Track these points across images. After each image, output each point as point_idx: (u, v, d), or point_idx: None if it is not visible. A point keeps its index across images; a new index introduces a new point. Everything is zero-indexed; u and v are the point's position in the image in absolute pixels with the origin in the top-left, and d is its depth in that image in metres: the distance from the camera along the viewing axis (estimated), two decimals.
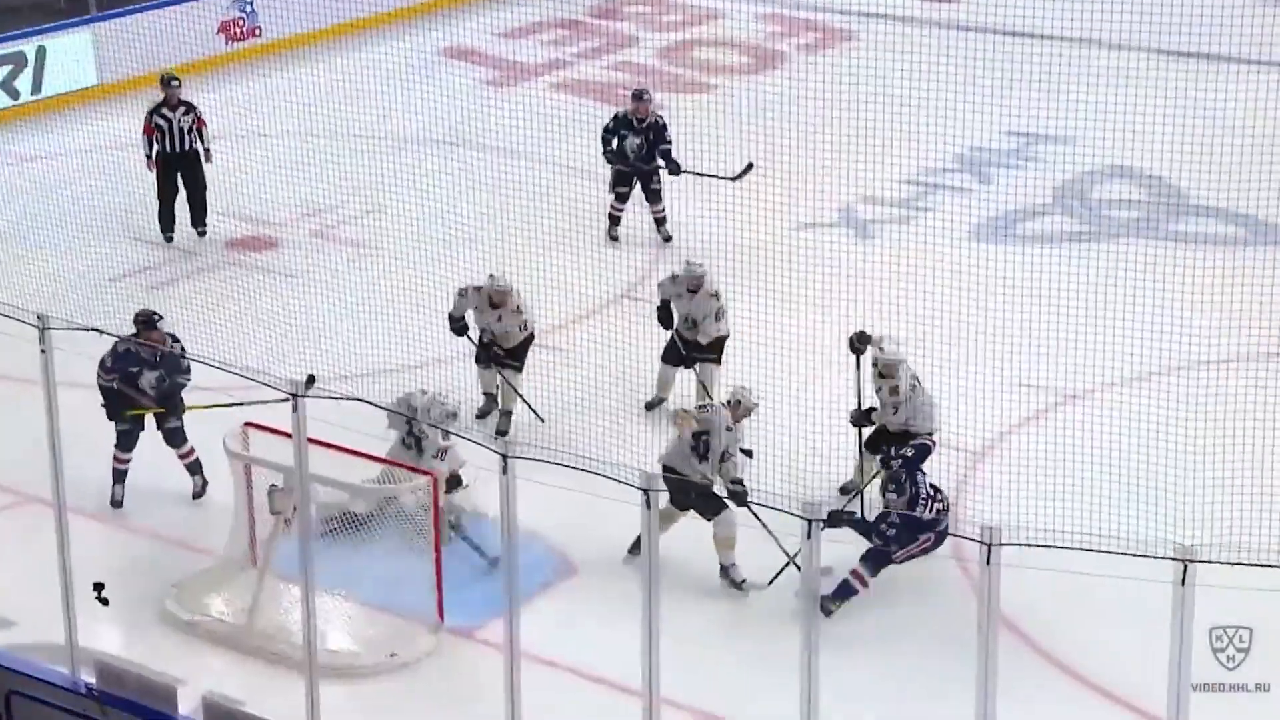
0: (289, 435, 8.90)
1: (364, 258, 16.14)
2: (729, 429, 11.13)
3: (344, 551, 10.59)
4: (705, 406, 11.69)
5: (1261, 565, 7.98)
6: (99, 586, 10.06)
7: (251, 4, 21.91)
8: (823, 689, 7.83)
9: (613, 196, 16.69)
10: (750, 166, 16.17)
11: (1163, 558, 7.29)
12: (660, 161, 16.33)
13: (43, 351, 9.11)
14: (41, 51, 20.23)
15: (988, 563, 7.39)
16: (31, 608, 10.24)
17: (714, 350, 13.17)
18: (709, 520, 11.00)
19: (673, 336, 13.12)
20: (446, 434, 11.23)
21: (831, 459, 12.04)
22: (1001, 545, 7.34)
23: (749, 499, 10.48)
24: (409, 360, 13.47)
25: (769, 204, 15.32)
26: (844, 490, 12.02)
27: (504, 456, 8.46)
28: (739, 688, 10.02)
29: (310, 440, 8.90)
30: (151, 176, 16.51)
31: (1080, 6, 18.73)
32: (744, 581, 11.03)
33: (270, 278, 15.84)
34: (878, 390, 11.76)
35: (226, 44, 21.70)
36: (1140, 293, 13.96)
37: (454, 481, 11.19)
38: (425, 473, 10.82)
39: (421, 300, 14.33)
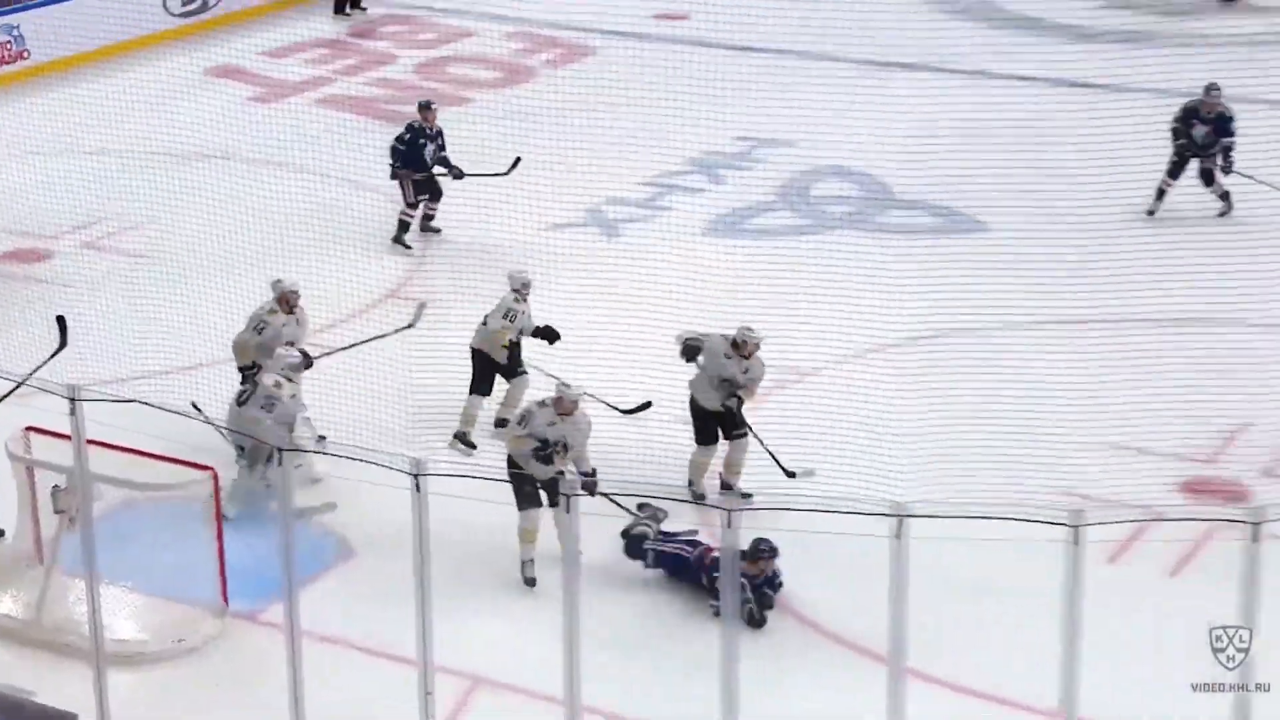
0: (69, 438, 8.81)
1: (137, 267, 15.77)
2: (552, 424, 10.79)
3: (128, 544, 10.36)
4: (523, 419, 11.09)
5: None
6: None
7: (18, 28, 21.34)
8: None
9: (410, 205, 16.37)
10: (518, 160, 16.22)
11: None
12: (440, 168, 16.32)
13: None
14: None
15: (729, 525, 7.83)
16: None
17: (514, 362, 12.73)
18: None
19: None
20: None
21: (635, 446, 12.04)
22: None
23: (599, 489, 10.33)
24: (184, 363, 13.27)
25: (524, 207, 15.49)
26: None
27: (279, 450, 8.68)
28: (508, 653, 10.13)
29: (91, 441, 8.81)
30: None
31: (798, 24, 19.36)
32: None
33: (44, 287, 15.38)
34: (738, 370, 11.57)
35: None
36: (855, 278, 14.28)
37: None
38: (204, 468, 10.57)
39: (194, 307, 14.20)
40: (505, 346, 12.49)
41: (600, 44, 21.89)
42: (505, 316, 12.45)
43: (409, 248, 16.34)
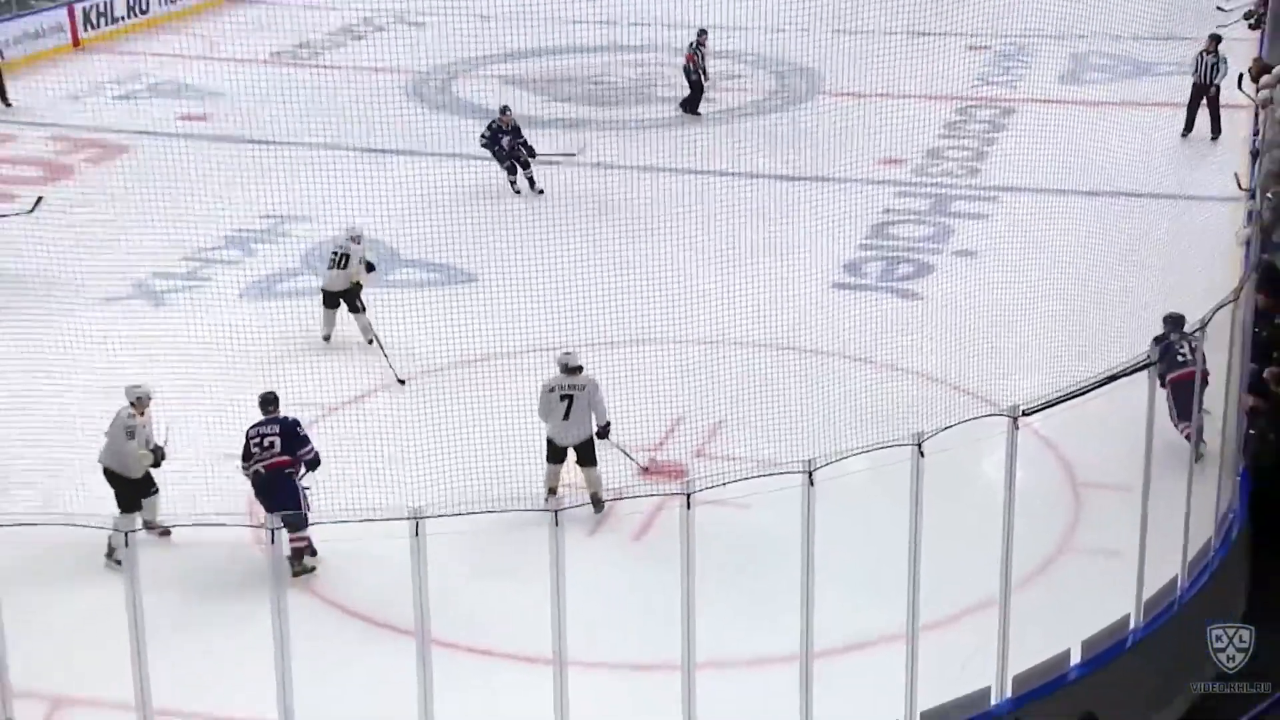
0: None
1: None
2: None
3: None
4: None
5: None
6: None
7: None
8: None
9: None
10: (40, 199, 16.47)
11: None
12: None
13: None
14: None
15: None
16: None
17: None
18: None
19: None
20: None
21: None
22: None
23: None
24: None
25: (72, 286, 15.09)
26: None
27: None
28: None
29: None
30: None
31: (301, 120, 19.33)
32: None
33: None
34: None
35: None
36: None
37: None
38: None
39: None
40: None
41: (133, 143, 21.18)
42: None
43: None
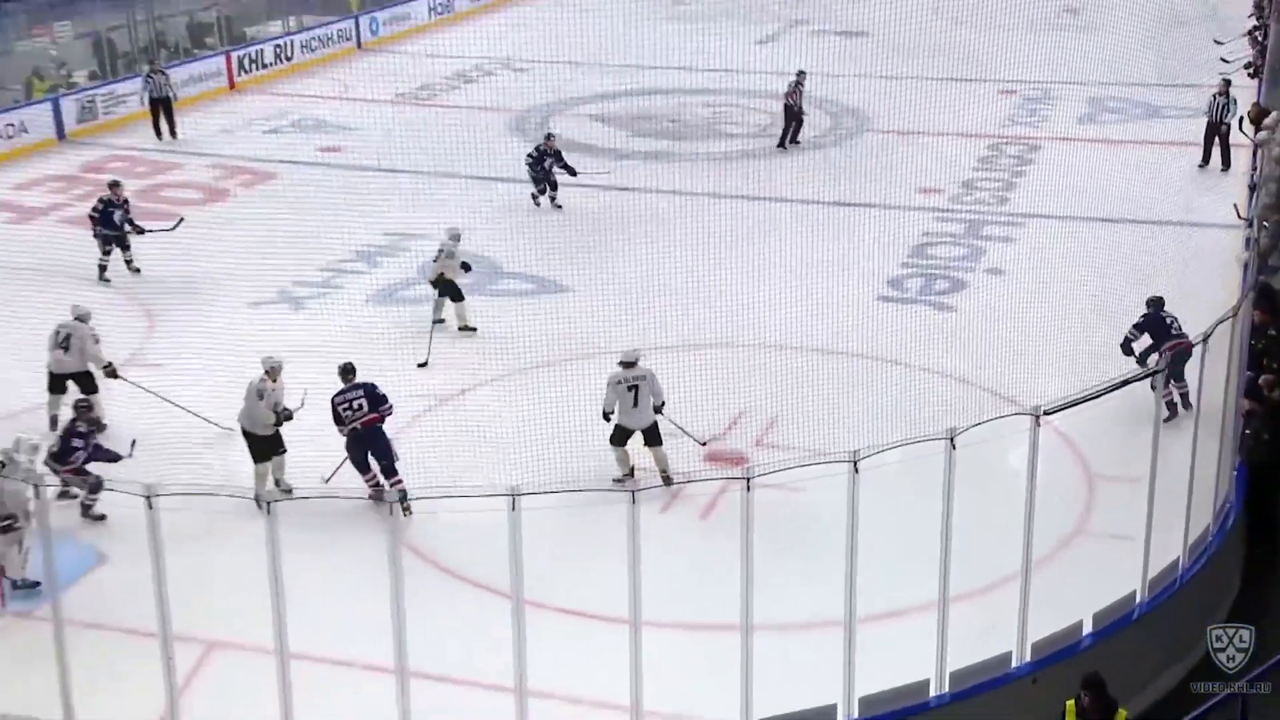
0: None
1: None
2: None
3: None
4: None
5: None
6: None
7: None
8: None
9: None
10: (181, 220, 17.01)
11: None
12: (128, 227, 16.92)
13: None
14: None
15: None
16: None
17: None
18: None
19: None
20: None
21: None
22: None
23: None
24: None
25: (228, 289, 15.37)
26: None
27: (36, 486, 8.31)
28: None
29: None
30: None
31: (418, 150, 19.49)
32: None
33: None
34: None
35: None
36: (477, 332, 14.72)
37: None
38: None
39: None
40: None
41: (278, 171, 21.42)
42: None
43: (108, 280, 16.70)
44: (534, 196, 19.28)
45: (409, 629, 8.02)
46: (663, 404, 11.74)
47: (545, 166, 19.15)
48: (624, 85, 25.92)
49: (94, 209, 16.83)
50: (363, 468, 11.33)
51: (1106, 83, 25.20)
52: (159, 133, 23.49)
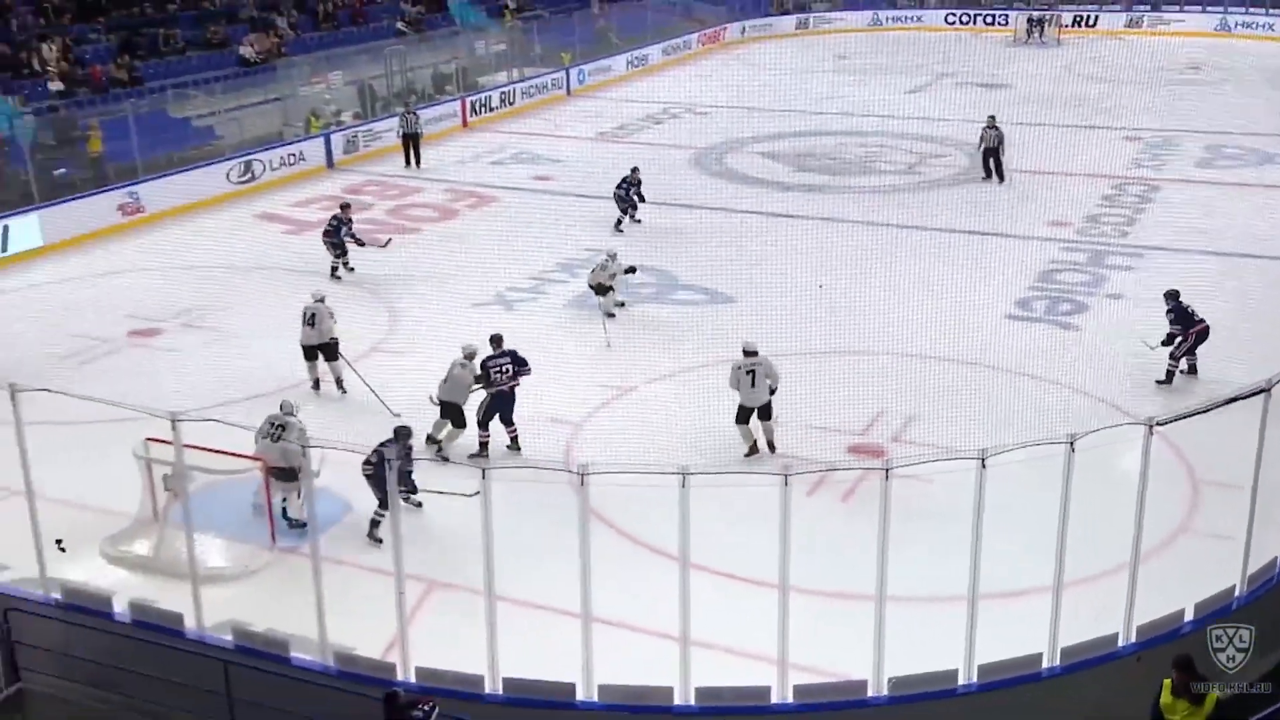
0: (172, 444, 8.71)
1: (214, 339, 15.36)
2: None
3: (212, 508, 10.19)
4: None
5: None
6: (59, 542, 9.76)
7: (137, 193, 20.73)
8: None
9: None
10: (389, 240, 17.55)
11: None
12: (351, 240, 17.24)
13: None
14: (5, 229, 18.87)
15: (583, 484, 7.77)
16: (15, 557, 9.63)
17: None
18: None
19: None
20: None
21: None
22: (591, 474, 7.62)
23: None
24: (241, 396, 13.06)
25: (453, 293, 15.71)
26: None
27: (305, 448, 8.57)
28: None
29: (186, 445, 8.71)
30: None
31: (611, 180, 19.61)
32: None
33: (156, 352, 15.06)
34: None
35: (122, 217, 20.41)
36: (657, 332, 14.71)
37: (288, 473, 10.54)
38: (256, 458, 10.46)
39: (250, 362, 14.05)
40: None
41: (499, 195, 21.87)
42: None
43: (339, 278, 17.09)
44: (618, 223, 18.97)
45: (592, 581, 8.08)
46: (776, 387, 11.73)
47: (629, 195, 18.96)
48: (791, 127, 25.67)
49: (329, 224, 17.42)
50: (485, 424, 11.67)
51: (1224, 131, 23.94)
52: (409, 162, 24.20)
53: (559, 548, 8.77)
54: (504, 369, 11.72)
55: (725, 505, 9.93)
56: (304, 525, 10.34)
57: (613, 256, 15.53)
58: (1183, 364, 13.08)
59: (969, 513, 7.99)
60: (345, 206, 17.84)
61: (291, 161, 23.63)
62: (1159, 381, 13.02)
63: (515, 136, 26.69)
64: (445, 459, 11.42)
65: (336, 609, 8.72)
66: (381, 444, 10.23)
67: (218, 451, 9.99)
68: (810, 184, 21.96)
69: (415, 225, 20.33)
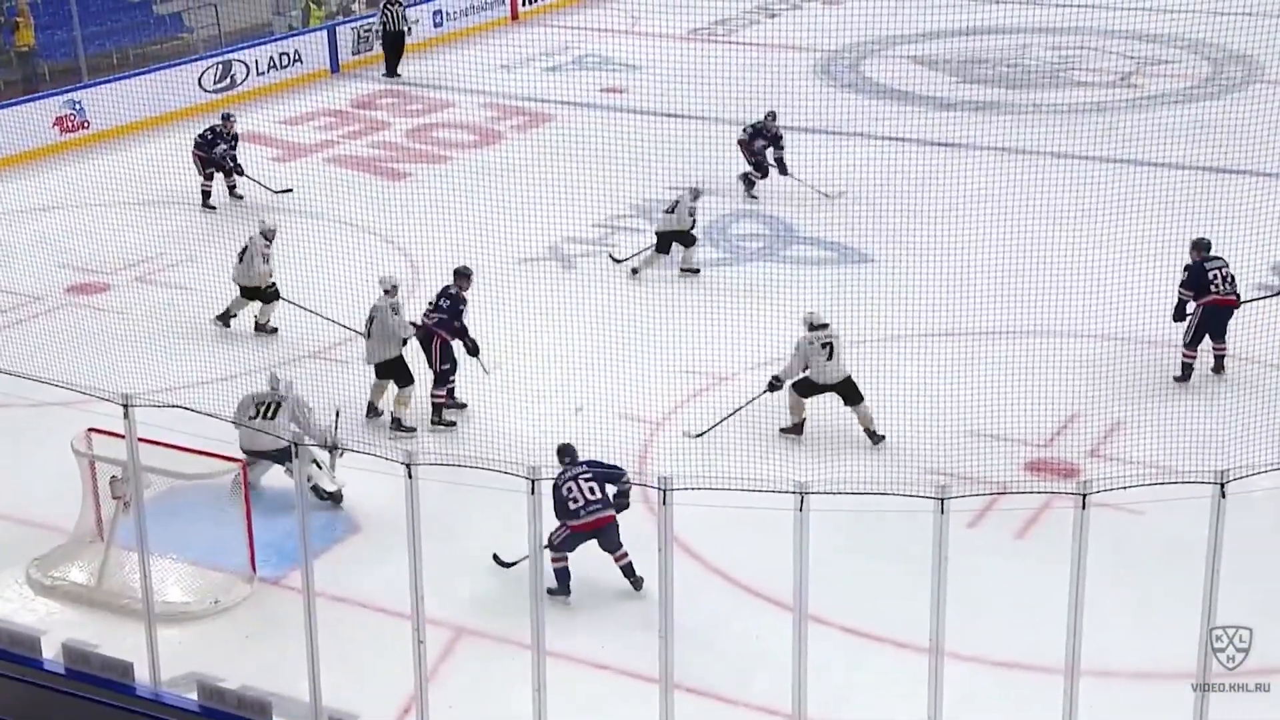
0: (124, 437, 8.72)
1: (178, 296, 15.64)
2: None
3: (173, 523, 10.38)
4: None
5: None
6: None
7: (80, 103, 21.24)
8: None
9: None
10: (290, 189, 18.13)
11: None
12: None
13: None
14: None
15: (663, 503, 7.68)
16: None
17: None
18: None
19: None
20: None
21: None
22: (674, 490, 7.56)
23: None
24: (218, 375, 13.30)
25: (495, 245, 15.62)
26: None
27: (294, 444, 8.58)
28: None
29: (141, 440, 8.72)
30: None
31: (710, 96, 19.57)
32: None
33: (103, 314, 15.35)
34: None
35: (60, 134, 20.99)
36: (765, 300, 14.69)
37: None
38: (233, 460, 10.72)
39: (224, 330, 14.40)
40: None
41: (556, 112, 21.99)
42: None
43: (213, 208, 18.32)
44: (747, 179, 18.25)
45: (677, 634, 8.05)
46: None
47: (755, 149, 18.08)
48: (954, 22, 25.32)
49: (202, 136, 18.15)
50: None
51: None
52: (390, 70, 24.23)
53: (624, 587, 8.76)
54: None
55: (849, 535, 9.86)
56: (337, 498, 11.37)
57: (695, 194, 15.47)
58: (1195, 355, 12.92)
59: (1197, 558, 7.79)
60: (228, 118, 18.40)
61: (284, 63, 23.90)
62: (1176, 378, 13.01)
63: (580, 33, 26.76)
64: (407, 427, 12.43)
65: (334, 659, 8.78)
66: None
67: (182, 448, 10.12)
68: (981, 100, 21.67)
69: (444, 153, 20.52)
